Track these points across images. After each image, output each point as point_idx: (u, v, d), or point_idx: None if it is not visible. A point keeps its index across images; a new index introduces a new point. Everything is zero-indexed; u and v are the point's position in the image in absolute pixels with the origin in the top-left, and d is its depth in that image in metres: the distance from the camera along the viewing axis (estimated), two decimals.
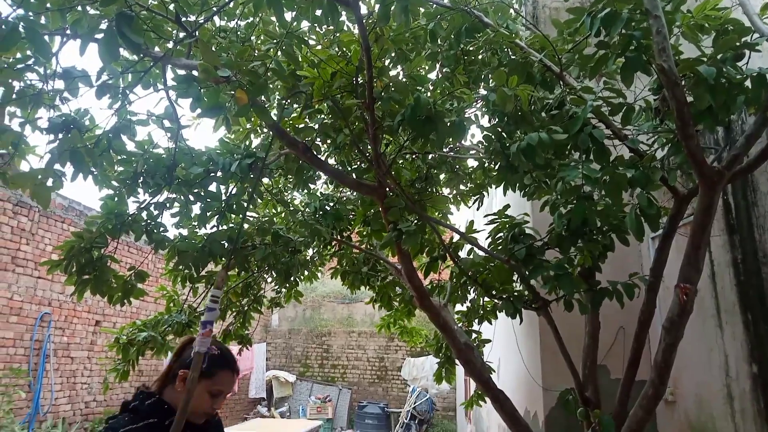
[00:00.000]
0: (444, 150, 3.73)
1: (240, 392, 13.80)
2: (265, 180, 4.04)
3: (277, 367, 15.47)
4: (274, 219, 4.21)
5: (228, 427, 9.95)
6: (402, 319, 5.39)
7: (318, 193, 4.15)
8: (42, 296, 7.90)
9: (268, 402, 14.73)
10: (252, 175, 3.36)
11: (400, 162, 3.61)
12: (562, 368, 3.32)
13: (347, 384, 15.01)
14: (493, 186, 3.96)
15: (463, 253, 3.60)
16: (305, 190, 4.00)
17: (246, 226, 3.89)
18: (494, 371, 3.78)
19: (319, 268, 4.92)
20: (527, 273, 3.00)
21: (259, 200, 3.82)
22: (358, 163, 3.56)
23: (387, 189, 3.11)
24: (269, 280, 4.73)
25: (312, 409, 13.81)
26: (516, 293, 3.26)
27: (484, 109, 3.08)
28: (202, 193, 3.37)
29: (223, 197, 3.48)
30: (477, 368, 3.32)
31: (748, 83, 2.05)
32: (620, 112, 2.41)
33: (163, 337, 3.97)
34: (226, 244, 3.72)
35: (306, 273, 4.64)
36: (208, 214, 3.48)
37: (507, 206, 3.37)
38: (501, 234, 3.24)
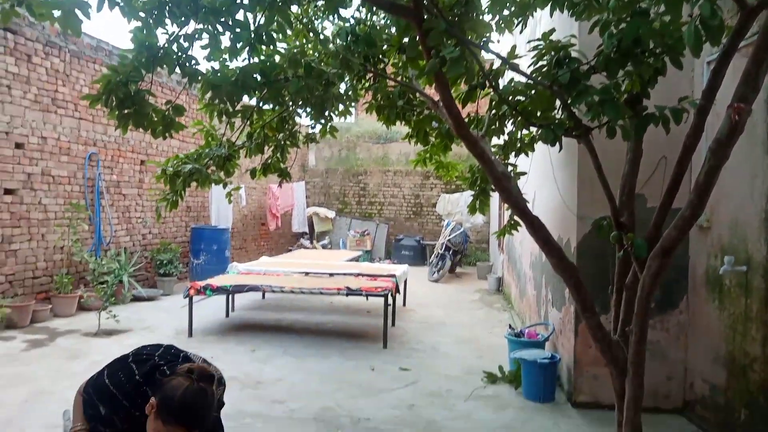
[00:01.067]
0: None
1: (284, 227, 14.64)
2: (294, 8, 3.82)
3: (316, 204, 16.18)
4: (306, 51, 4.05)
5: (275, 256, 10.73)
6: (438, 154, 5.38)
7: (350, 17, 3.91)
8: (86, 137, 8.16)
9: (310, 236, 15.66)
10: (280, 2, 3.16)
11: None
12: (598, 197, 3.34)
13: (384, 219, 15.70)
14: (539, 8, 3.66)
15: (503, 83, 3.45)
16: (336, 18, 3.77)
17: (277, 57, 3.77)
18: (528, 202, 3.83)
19: (353, 103, 4.82)
20: (570, 99, 2.88)
21: (288, 30, 3.63)
22: None
23: (424, 10, 2.90)
24: (303, 115, 4.70)
25: (351, 242, 14.66)
26: (557, 121, 3.17)
27: None
28: (230, 23, 3.23)
29: (252, 27, 3.34)
30: (513, 196, 3.36)
31: None
32: None
33: (206, 168, 4.10)
34: (259, 77, 3.65)
35: (341, 107, 4.57)
36: (238, 45, 3.36)
37: (552, 30, 3.14)
38: (545, 60, 3.07)
